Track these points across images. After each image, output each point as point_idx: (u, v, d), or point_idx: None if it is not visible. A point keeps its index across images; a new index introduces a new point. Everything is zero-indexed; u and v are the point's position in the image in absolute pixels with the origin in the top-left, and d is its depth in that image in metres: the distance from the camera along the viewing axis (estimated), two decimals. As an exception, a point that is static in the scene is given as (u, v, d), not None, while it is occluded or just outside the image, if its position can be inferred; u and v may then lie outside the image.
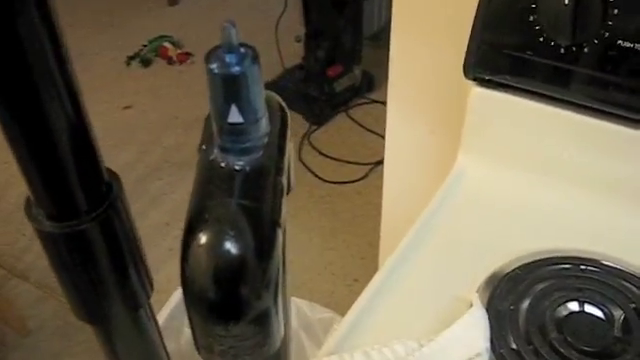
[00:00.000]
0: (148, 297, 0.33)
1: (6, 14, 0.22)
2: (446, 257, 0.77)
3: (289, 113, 0.32)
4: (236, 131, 0.28)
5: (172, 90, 2.91)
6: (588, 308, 0.67)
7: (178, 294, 1.12)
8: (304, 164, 2.41)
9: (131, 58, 3.10)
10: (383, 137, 2.56)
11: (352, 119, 2.66)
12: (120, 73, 3.03)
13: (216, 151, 0.29)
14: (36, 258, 2.11)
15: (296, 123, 2.58)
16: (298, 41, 2.66)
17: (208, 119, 0.31)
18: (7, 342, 1.88)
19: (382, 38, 2.91)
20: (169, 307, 1.10)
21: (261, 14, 3.30)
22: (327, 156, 2.47)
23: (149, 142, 2.57)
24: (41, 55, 0.24)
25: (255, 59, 0.27)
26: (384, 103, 2.71)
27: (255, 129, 0.28)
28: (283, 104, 0.32)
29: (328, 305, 1.16)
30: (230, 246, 0.26)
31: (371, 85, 2.78)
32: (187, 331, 1.11)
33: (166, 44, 3.12)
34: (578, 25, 0.72)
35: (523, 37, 0.77)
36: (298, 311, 1.13)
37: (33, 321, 1.94)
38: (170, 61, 3.08)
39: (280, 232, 0.28)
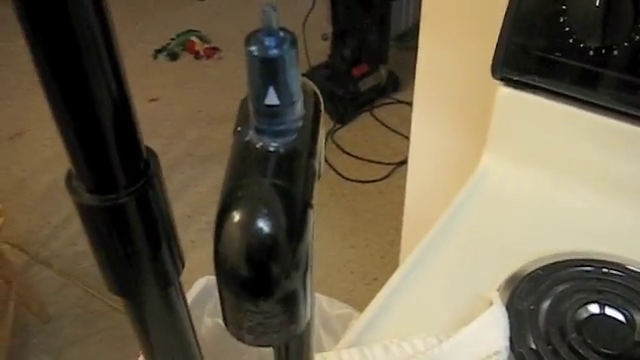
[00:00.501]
0: (178, 275, 0.34)
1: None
2: (467, 256, 0.77)
3: (322, 100, 0.32)
4: (272, 113, 0.29)
5: (198, 84, 2.93)
6: (609, 311, 0.67)
7: (199, 284, 1.14)
8: (327, 162, 2.42)
9: (158, 51, 3.13)
10: (407, 137, 2.56)
11: (376, 119, 2.66)
12: (147, 66, 3.06)
13: (251, 132, 0.30)
14: (61, 246, 2.14)
15: (320, 121, 2.59)
16: (325, 39, 2.67)
17: (244, 102, 0.32)
18: (28, 327, 1.91)
19: (409, 39, 2.91)
20: (190, 296, 1.11)
21: (289, 11, 3.31)
22: (350, 155, 2.48)
23: (173, 135, 2.59)
24: (88, 27, 0.25)
25: (293, 43, 0.28)
26: (409, 104, 2.70)
27: (290, 112, 0.29)
28: (317, 90, 0.33)
29: (346, 303, 1.17)
30: (263, 224, 0.27)
31: (396, 85, 2.78)
32: (208, 320, 1.12)
33: (194, 38, 3.15)
34: (608, 28, 0.72)
35: (552, 38, 0.77)
36: (317, 306, 1.14)
37: (54, 308, 1.96)
38: (197, 55, 3.11)
39: (311, 213, 0.28)
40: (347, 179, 2.37)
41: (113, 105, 0.27)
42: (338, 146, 2.51)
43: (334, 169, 2.38)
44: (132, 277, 0.32)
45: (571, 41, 0.76)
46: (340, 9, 2.54)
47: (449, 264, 0.77)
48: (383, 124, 2.63)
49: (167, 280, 0.33)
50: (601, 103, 0.77)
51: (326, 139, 2.54)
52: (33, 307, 1.89)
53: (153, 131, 2.53)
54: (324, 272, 2.00)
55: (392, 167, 2.42)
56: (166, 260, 0.32)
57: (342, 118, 2.63)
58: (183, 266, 0.33)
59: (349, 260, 2.08)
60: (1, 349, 1.66)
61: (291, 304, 0.29)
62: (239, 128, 0.30)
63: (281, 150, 0.29)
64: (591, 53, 0.75)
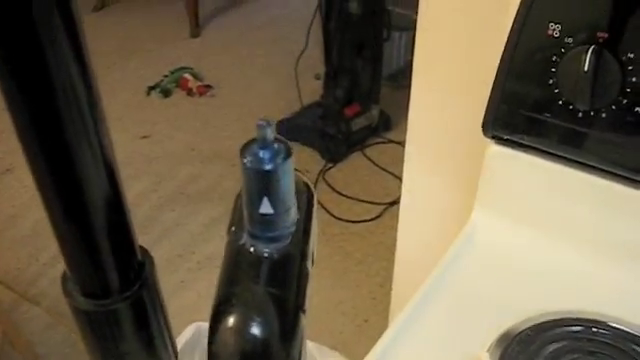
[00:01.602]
0: (171, 369, 0.34)
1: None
2: (457, 314, 0.77)
3: (315, 192, 0.33)
4: (266, 221, 0.29)
5: (190, 122, 2.94)
6: (598, 372, 0.67)
7: (189, 330, 1.13)
8: (318, 201, 2.42)
9: (151, 88, 3.14)
10: (398, 177, 2.57)
11: (368, 158, 2.67)
12: (140, 102, 3.07)
13: (245, 236, 0.30)
14: (49, 284, 2.13)
15: (312, 160, 2.60)
16: (317, 79, 2.69)
17: (238, 199, 0.32)
18: (14, 367, 1.89)
19: (400, 79, 2.94)
20: (180, 342, 1.10)
21: (282, 50, 3.34)
22: (341, 194, 2.48)
23: (165, 173, 2.59)
24: (87, 140, 0.25)
25: (287, 155, 0.28)
26: (400, 143, 2.72)
27: (284, 219, 0.29)
28: (310, 184, 0.33)
29: (336, 345, 1.17)
30: (256, 331, 0.27)
31: (388, 125, 2.80)
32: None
33: (187, 75, 3.16)
34: (597, 92, 0.73)
35: (542, 99, 0.78)
36: (307, 353, 1.13)
37: (41, 347, 1.95)
38: (190, 92, 3.12)
39: (303, 317, 0.29)
40: (338, 218, 2.37)
41: (108, 210, 0.28)
42: (329, 185, 2.51)
43: (325, 208, 2.38)
44: (126, 375, 0.33)
45: (560, 103, 0.77)
46: (333, 49, 2.56)
47: (439, 322, 0.77)
48: (374, 163, 2.64)
49: (160, 376, 0.33)
50: (589, 163, 0.78)
51: (317, 178, 2.56)
52: (19, 346, 1.87)
53: (145, 168, 2.53)
54: (314, 313, 1.98)
55: (383, 207, 2.42)
56: (160, 355, 0.32)
57: (333, 157, 2.64)
58: (176, 356, 0.34)
59: (340, 301, 2.07)
60: (-14, 390, 1.64)
61: (284, 404, 0.29)
62: (233, 228, 0.31)
63: (275, 256, 0.29)
64: (580, 115, 0.76)
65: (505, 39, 0.80)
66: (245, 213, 0.30)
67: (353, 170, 2.63)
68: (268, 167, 0.28)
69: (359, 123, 2.67)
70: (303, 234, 0.31)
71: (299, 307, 0.29)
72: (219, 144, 2.77)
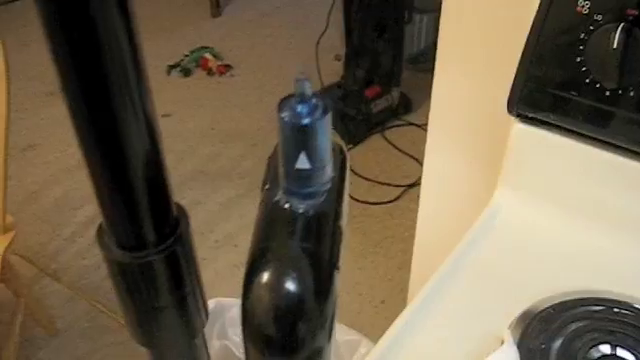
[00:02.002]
0: (203, 326, 0.34)
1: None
2: (479, 292, 0.77)
3: (348, 155, 0.33)
4: (302, 176, 0.29)
5: (210, 101, 2.95)
6: (620, 352, 0.67)
7: (208, 306, 1.14)
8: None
9: (172, 67, 3.15)
10: (417, 160, 2.57)
11: (387, 140, 2.67)
12: (160, 81, 3.08)
13: (280, 193, 0.30)
14: (70, 259, 2.15)
15: (331, 141, 2.59)
16: (338, 60, 2.68)
17: (271, 159, 0.32)
18: (35, 340, 1.91)
19: (421, 61, 2.92)
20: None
21: (303, 31, 3.33)
22: (360, 176, 2.48)
23: (185, 151, 2.60)
24: (129, 97, 0.26)
25: (325, 111, 0.28)
26: (420, 126, 2.71)
27: (320, 175, 0.29)
28: (344, 147, 0.33)
29: (354, 325, 1.17)
30: (291, 286, 0.27)
31: (408, 107, 2.79)
32: (216, 342, 1.13)
33: (207, 55, 3.16)
34: (625, 69, 0.72)
35: (569, 77, 0.77)
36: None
37: (62, 321, 1.97)
38: (210, 72, 3.12)
39: (337, 275, 0.29)
40: (357, 200, 2.37)
41: (147, 163, 0.28)
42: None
43: (344, 190, 2.38)
44: (158, 330, 0.33)
45: (587, 81, 0.76)
46: (354, 31, 2.55)
47: (460, 300, 0.77)
48: (394, 146, 2.64)
49: (192, 333, 0.34)
50: (615, 142, 0.77)
51: (336, 160, 2.55)
52: (41, 320, 1.89)
53: (165, 147, 2.52)
54: (332, 293, 2.00)
55: (402, 189, 2.42)
56: (192, 314, 0.33)
57: (353, 139, 2.63)
58: (207, 316, 0.34)
59: (357, 282, 2.08)
60: (8, 362, 1.66)
61: (316, 361, 0.30)
62: (267, 185, 0.31)
63: (310, 212, 0.29)
64: (607, 93, 0.75)
65: (531, 18, 0.79)
66: (281, 169, 0.30)
67: (372, 152, 2.62)
68: (306, 121, 0.28)
69: (379, 105, 2.66)
70: (337, 193, 0.31)
71: (333, 264, 0.29)
72: (239, 123, 2.78)
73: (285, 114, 0.28)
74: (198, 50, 3.21)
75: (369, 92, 2.63)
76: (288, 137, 0.29)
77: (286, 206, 0.30)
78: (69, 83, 0.25)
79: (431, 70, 1.10)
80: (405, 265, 2.12)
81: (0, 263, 1.49)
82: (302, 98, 0.28)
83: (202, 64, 3.15)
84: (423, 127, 2.69)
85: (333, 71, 2.72)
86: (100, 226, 0.31)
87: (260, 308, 0.28)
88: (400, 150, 2.61)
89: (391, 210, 2.36)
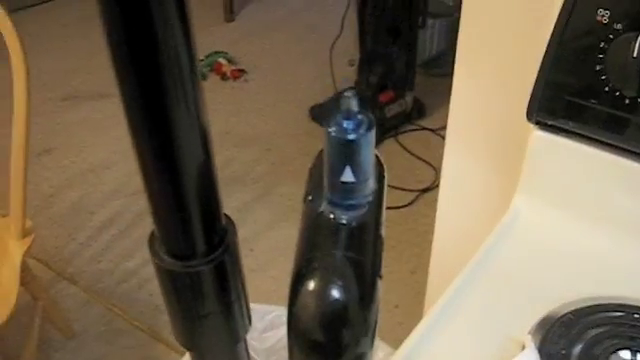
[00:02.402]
0: (246, 332, 0.35)
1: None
2: (498, 297, 0.78)
3: (386, 167, 0.34)
4: (347, 189, 0.30)
5: (224, 106, 2.96)
6: (640, 358, 0.67)
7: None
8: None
9: (186, 72, 3.15)
10: (431, 165, 2.57)
11: (401, 145, 2.67)
12: (174, 86, 3.09)
13: (324, 204, 0.31)
14: (86, 263, 2.16)
15: (345, 146, 2.60)
16: (351, 65, 2.69)
17: (313, 169, 0.34)
18: (52, 343, 1.93)
19: (435, 66, 2.93)
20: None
21: (317, 36, 3.34)
22: (374, 180, 2.48)
23: (199, 156, 2.61)
24: (186, 109, 0.27)
25: (370, 126, 0.29)
26: (434, 131, 2.71)
27: (363, 188, 0.31)
28: (381, 159, 0.34)
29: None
30: (336, 294, 0.28)
31: (421, 112, 2.79)
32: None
33: (221, 60, 3.17)
34: (645, 78, 0.73)
35: (588, 85, 0.78)
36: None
37: (78, 324, 1.98)
38: (224, 77, 3.13)
39: (380, 283, 0.30)
40: (370, 205, 2.37)
41: (200, 176, 0.29)
42: (362, 171, 2.51)
43: (357, 194, 2.38)
44: (203, 335, 0.34)
45: (607, 89, 0.77)
46: (368, 36, 2.56)
47: (480, 306, 0.77)
48: (407, 151, 2.64)
49: (235, 338, 0.35)
50: (634, 150, 0.78)
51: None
52: (58, 323, 1.91)
53: (179, 151, 2.54)
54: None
55: (416, 194, 2.42)
56: (236, 320, 0.34)
57: (367, 143, 2.63)
58: (250, 322, 0.35)
59: (371, 286, 2.08)
60: (26, 364, 1.68)
61: (358, 367, 0.31)
62: (310, 197, 0.32)
63: (353, 223, 0.30)
64: (626, 101, 0.76)
65: (551, 27, 0.80)
66: (326, 181, 0.31)
67: (386, 157, 2.59)
68: (352, 137, 0.29)
69: (393, 110, 2.67)
70: (377, 204, 0.32)
71: (376, 272, 0.30)
72: (253, 128, 2.79)
73: (332, 129, 0.29)
74: (212, 55, 3.22)
75: (383, 97, 2.64)
76: (334, 151, 0.30)
77: (330, 217, 0.31)
78: (129, 99, 0.26)
79: (444, 75, 1.11)
80: (419, 270, 2.13)
81: (20, 266, 1.51)
82: (348, 114, 0.29)
83: (216, 69, 3.16)
84: (437, 132, 2.70)
85: (347, 76, 2.73)
86: (152, 234, 0.32)
87: (306, 315, 0.29)
88: (414, 155, 2.62)
89: (405, 215, 2.36)
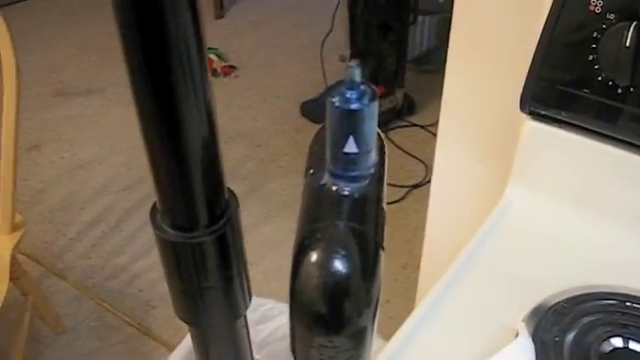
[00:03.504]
0: (246, 308, 0.35)
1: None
2: (491, 287, 0.78)
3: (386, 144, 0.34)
4: (349, 160, 0.30)
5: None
6: (632, 345, 0.67)
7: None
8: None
9: (176, 68, 3.14)
10: (421, 160, 2.57)
11: (391, 141, 2.68)
12: (165, 82, 3.08)
13: (327, 176, 0.31)
14: (75, 258, 2.16)
15: (335, 142, 2.60)
16: (342, 60, 2.69)
17: (314, 145, 0.34)
18: (42, 339, 1.92)
19: (424, 62, 2.93)
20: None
21: (307, 32, 3.34)
22: (364, 176, 2.48)
23: (189, 152, 2.60)
24: (191, 78, 0.27)
25: (373, 97, 0.29)
26: (424, 127, 2.71)
27: (366, 159, 0.31)
28: (382, 135, 0.34)
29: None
30: (340, 265, 0.28)
31: (412, 108, 2.80)
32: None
33: (211, 56, 3.16)
34: (638, 67, 0.73)
35: (581, 75, 0.78)
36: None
37: (68, 320, 1.97)
38: (214, 73, 3.13)
39: (383, 254, 0.30)
40: (361, 200, 2.37)
41: (203, 147, 0.29)
42: (352, 167, 2.51)
43: (348, 190, 2.38)
44: (204, 309, 0.34)
45: (600, 79, 0.77)
46: (358, 32, 2.57)
47: (472, 296, 0.77)
48: (398, 147, 2.65)
49: (236, 313, 0.35)
50: (627, 139, 0.78)
51: (341, 160, 2.55)
52: (48, 318, 1.90)
53: (169, 147, 2.53)
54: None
55: (406, 190, 2.43)
56: (237, 294, 0.34)
57: (357, 139, 2.64)
58: (250, 299, 0.35)
59: (362, 282, 2.08)
60: (16, 360, 1.67)
61: (360, 340, 0.31)
62: (311, 170, 0.32)
63: (355, 195, 0.30)
64: (619, 91, 0.76)
65: (543, 17, 0.80)
66: (328, 153, 0.31)
67: (376, 153, 2.63)
68: (355, 107, 0.29)
69: (383, 106, 2.67)
70: (379, 177, 0.32)
71: (379, 243, 0.30)
72: (243, 124, 2.79)
73: (335, 99, 0.29)
74: (202, 51, 3.21)
75: (373, 93, 2.64)
76: (337, 121, 0.30)
77: (333, 189, 0.31)
78: (133, 63, 0.26)
79: (435, 71, 1.11)
80: (410, 265, 2.13)
81: (9, 261, 1.50)
82: (352, 84, 0.29)
83: (206, 65, 3.16)
84: (427, 128, 2.70)
85: (338, 71, 2.73)
86: (153, 206, 0.32)
87: (309, 286, 0.29)
88: (404, 151, 2.62)
89: (395, 211, 2.37)
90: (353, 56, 2.59)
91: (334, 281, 0.28)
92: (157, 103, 0.27)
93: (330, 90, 0.30)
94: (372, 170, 0.31)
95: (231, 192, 0.33)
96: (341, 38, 2.67)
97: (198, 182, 0.30)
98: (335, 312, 0.29)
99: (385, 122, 2.72)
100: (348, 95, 0.29)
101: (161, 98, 0.27)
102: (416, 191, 2.41)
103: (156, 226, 0.32)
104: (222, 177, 0.32)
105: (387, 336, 0.74)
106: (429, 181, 1.26)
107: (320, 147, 0.31)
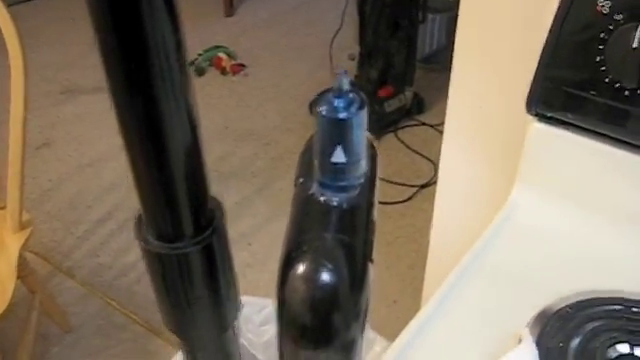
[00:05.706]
0: (235, 318, 0.35)
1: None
2: (496, 291, 0.77)
3: (378, 151, 0.34)
4: (338, 170, 0.30)
5: (224, 100, 2.96)
6: (638, 352, 0.66)
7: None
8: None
9: (185, 66, 3.15)
10: (430, 160, 2.57)
11: (400, 140, 2.67)
12: (174, 80, 3.08)
13: (315, 186, 0.31)
14: (83, 257, 2.16)
15: (344, 141, 2.60)
16: (351, 59, 2.68)
17: (305, 153, 0.33)
18: (49, 337, 1.92)
19: (434, 61, 2.92)
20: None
21: (317, 30, 3.33)
22: (373, 175, 2.47)
23: (198, 150, 2.61)
24: (172, 90, 0.26)
25: (362, 105, 0.29)
26: (433, 126, 2.71)
27: (355, 169, 0.30)
28: (374, 143, 0.34)
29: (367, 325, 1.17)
30: (326, 278, 0.28)
31: (421, 107, 2.79)
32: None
33: (221, 54, 3.17)
34: (645, 69, 0.72)
35: (588, 77, 0.77)
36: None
37: (76, 318, 1.98)
38: (223, 71, 3.13)
39: (371, 267, 0.29)
40: (369, 200, 2.36)
41: (186, 157, 0.29)
42: (361, 166, 2.50)
43: (356, 189, 2.38)
44: (191, 320, 0.33)
45: (606, 80, 0.76)
46: (367, 30, 2.56)
47: (477, 299, 0.77)
48: (407, 146, 2.64)
49: (224, 324, 0.34)
50: (633, 141, 0.77)
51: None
52: (55, 317, 1.90)
53: (178, 145, 2.54)
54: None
55: (415, 189, 2.42)
56: (225, 305, 0.33)
57: (366, 138, 2.63)
58: (240, 310, 0.35)
59: (369, 281, 2.07)
60: (23, 358, 1.67)
61: (348, 353, 0.30)
62: (301, 179, 0.32)
63: (344, 205, 0.30)
64: (626, 93, 0.75)
65: (550, 17, 0.79)
66: (316, 163, 0.31)
67: (385, 152, 2.62)
68: (342, 116, 0.28)
69: (392, 105, 2.66)
70: (369, 187, 0.31)
71: (367, 256, 0.29)
72: (252, 123, 2.78)
73: (322, 108, 0.29)
74: (212, 49, 3.21)
75: (382, 92, 2.63)
76: (325, 130, 0.29)
77: (321, 199, 0.30)
78: (113, 73, 0.26)
79: (444, 70, 1.10)
80: (417, 265, 2.12)
81: (17, 259, 1.51)
82: (340, 92, 0.28)
83: (216, 63, 3.16)
84: (436, 127, 2.69)
85: (347, 70, 2.72)
86: (138, 218, 0.31)
87: (296, 299, 0.28)
88: (413, 150, 2.61)
89: (403, 210, 2.36)
90: (362, 54, 2.58)
91: (321, 294, 0.28)
92: (137, 112, 0.27)
93: (318, 98, 0.29)
94: (362, 180, 0.30)
95: (216, 201, 0.32)
96: (350, 36, 2.66)
97: (182, 192, 0.29)
98: (323, 325, 0.28)
99: (394, 121, 2.72)
100: (336, 104, 0.29)
101: (141, 108, 0.26)
102: (425, 190, 2.40)
103: (141, 238, 0.31)
104: (207, 186, 0.31)
105: (394, 336, 0.74)
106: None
107: (310, 155, 0.31)
